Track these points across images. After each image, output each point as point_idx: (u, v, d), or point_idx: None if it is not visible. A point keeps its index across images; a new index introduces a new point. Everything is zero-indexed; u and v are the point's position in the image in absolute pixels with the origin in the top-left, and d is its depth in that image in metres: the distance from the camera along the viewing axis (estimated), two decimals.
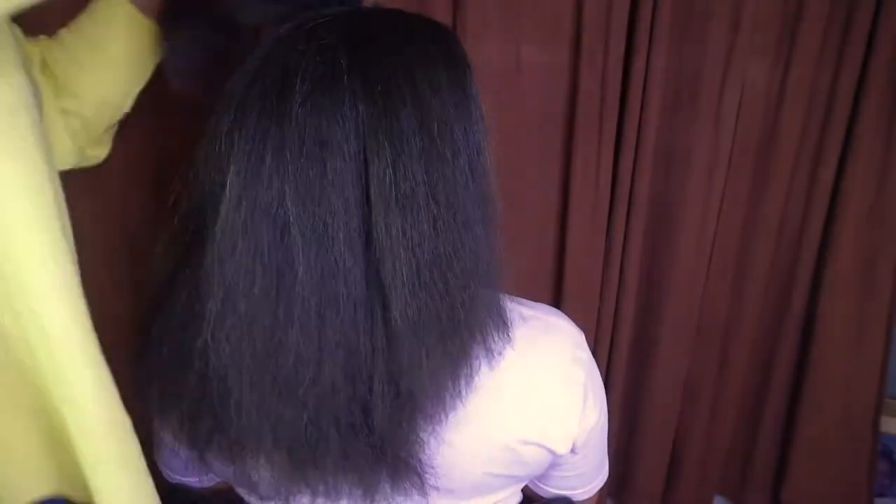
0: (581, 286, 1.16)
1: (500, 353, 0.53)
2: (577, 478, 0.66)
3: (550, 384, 0.57)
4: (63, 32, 0.68)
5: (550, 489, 0.68)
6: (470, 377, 0.51)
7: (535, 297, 0.62)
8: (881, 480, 1.39)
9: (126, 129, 0.75)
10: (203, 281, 0.47)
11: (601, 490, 0.71)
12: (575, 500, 0.70)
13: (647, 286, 1.21)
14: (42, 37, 0.68)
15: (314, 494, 0.53)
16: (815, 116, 1.11)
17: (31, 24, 0.62)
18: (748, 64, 1.06)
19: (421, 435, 0.51)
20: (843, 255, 1.16)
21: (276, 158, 0.44)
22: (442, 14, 0.99)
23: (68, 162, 0.71)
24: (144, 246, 0.62)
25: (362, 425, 0.49)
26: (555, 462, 0.62)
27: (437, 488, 0.55)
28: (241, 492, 0.63)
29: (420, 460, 0.52)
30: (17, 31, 0.63)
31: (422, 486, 0.53)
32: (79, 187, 0.63)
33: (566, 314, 0.63)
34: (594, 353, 0.62)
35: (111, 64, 0.68)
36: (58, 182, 0.60)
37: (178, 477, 0.69)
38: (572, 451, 0.60)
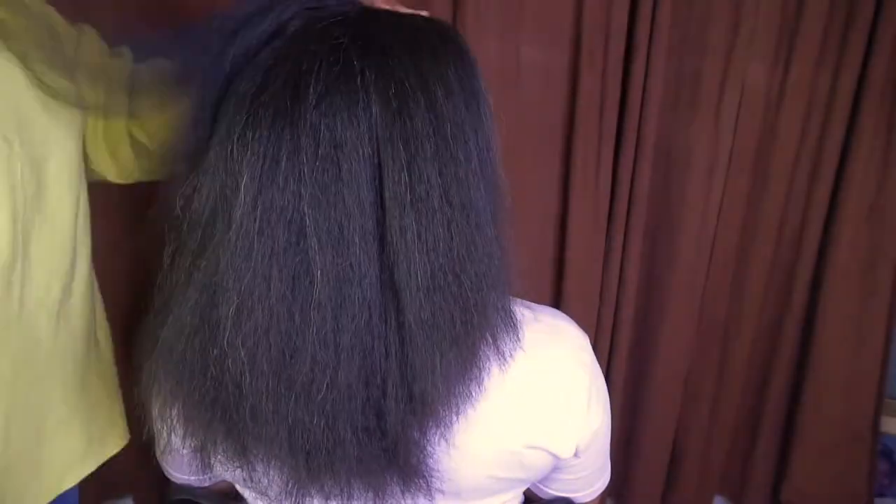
0: (581, 286, 1.16)
1: (510, 356, 0.53)
2: (580, 481, 0.66)
3: (555, 388, 0.57)
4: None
5: (552, 491, 0.68)
6: (480, 380, 0.51)
7: (535, 297, 0.62)
8: (881, 480, 1.39)
9: None
10: (217, 287, 0.46)
11: (603, 493, 0.71)
12: (577, 502, 0.70)
13: (647, 286, 1.21)
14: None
15: (326, 497, 0.53)
16: (815, 116, 1.11)
17: None
18: (748, 64, 1.06)
19: (431, 438, 0.51)
20: (843, 255, 1.16)
21: (291, 161, 0.44)
22: (442, 14, 0.99)
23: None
24: (151, 250, 0.62)
25: (376, 429, 0.49)
26: (558, 465, 0.62)
27: (442, 491, 0.55)
28: (249, 496, 0.63)
29: (427, 463, 0.52)
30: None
31: (428, 490, 0.53)
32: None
33: (566, 314, 0.62)
34: (594, 353, 0.62)
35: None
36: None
37: (181, 476, 0.69)
38: (576, 454, 0.59)
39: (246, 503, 0.66)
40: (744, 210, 1.16)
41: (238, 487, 0.64)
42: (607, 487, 0.71)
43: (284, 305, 0.45)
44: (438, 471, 0.53)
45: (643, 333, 1.24)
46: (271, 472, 0.53)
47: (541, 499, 0.70)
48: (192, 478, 0.69)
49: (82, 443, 0.68)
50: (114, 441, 0.72)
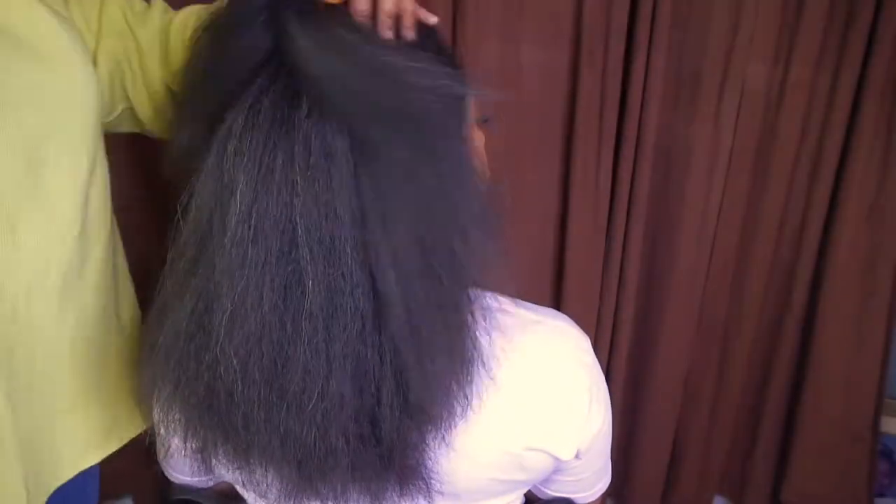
0: (581, 286, 1.16)
1: (495, 357, 0.53)
2: (581, 482, 0.66)
3: (555, 389, 0.57)
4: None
5: (552, 493, 0.68)
6: (472, 382, 0.51)
7: (535, 298, 0.62)
8: (881, 480, 1.39)
9: (128, 135, 0.75)
10: (211, 293, 0.47)
11: (603, 493, 0.71)
12: (577, 503, 0.70)
13: (647, 286, 1.21)
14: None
15: (323, 501, 0.53)
16: (815, 116, 1.11)
17: None
18: (748, 64, 1.06)
19: (430, 443, 0.51)
20: (843, 255, 1.16)
21: (284, 170, 0.44)
22: (442, 14, 0.99)
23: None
24: (148, 253, 0.62)
25: (370, 436, 0.49)
26: (559, 467, 0.62)
27: (441, 493, 0.55)
28: (249, 497, 0.63)
29: (426, 466, 0.52)
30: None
31: (427, 492, 0.53)
32: None
33: (566, 314, 0.62)
34: (595, 355, 0.62)
35: None
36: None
37: (182, 478, 0.69)
38: (576, 456, 0.59)
39: (246, 503, 0.66)
40: (744, 210, 1.16)
41: (238, 489, 0.64)
42: (607, 487, 0.71)
43: (276, 314, 0.45)
44: (437, 472, 0.53)
45: (643, 333, 1.24)
46: (269, 476, 0.53)
47: (541, 499, 0.70)
48: (194, 479, 0.69)
49: (104, 421, 0.68)
50: (134, 426, 0.72)
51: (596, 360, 0.61)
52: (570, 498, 0.69)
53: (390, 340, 0.46)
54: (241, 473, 0.54)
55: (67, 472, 0.66)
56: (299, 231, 0.44)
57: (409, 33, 0.51)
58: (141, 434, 0.70)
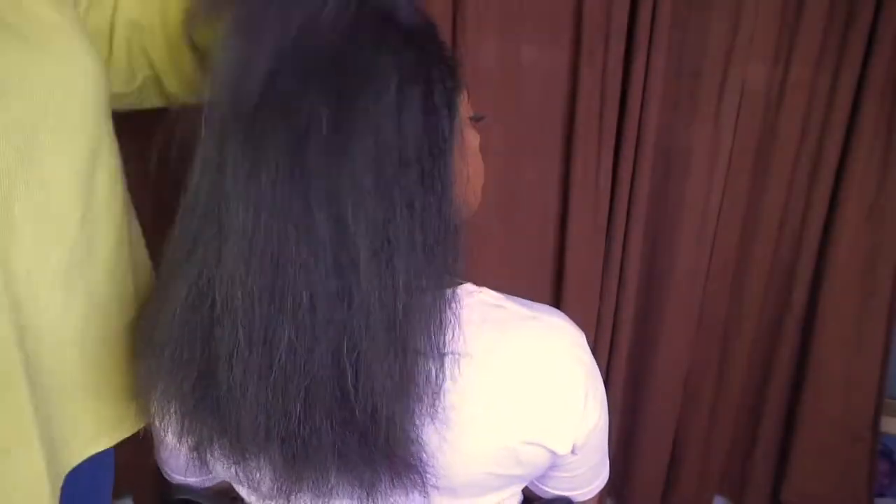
0: (581, 286, 1.16)
1: (481, 351, 0.54)
2: (578, 478, 0.66)
3: (551, 384, 0.57)
4: None
5: (550, 490, 0.68)
6: (439, 374, 0.51)
7: (535, 297, 0.62)
8: (881, 480, 1.39)
9: (129, 126, 0.75)
10: (204, 277, 0.48)
11: (601, 491, 0.71)
12: (575, 501, 0.70)
13: (647, 286, 1.21)
14: None
15: (316, 494, 0.53)
16: (815, 116, 1.11)
17: None
18: (748, 64, 1.06)
19: (412, 432, 0.51)
20: (843, 255, 1.16)
21: (283, 160, 0.46)
22: (441, 14, 0.99)
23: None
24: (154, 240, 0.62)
25: (351, 421, 0.49)
26: (555, 462, 0.62)
27: (437, 487, 0.55)
28: (243, 492, 0.63)
29: (420, 459, 0.52)
30: None
31: (423, 486, 0.53)
32: None
33: (566, 314, 0.63)
34: (594, 353, 0.62)
35: None
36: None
37: (179, 477, 0.70)
38: (573, 451, 0.60)
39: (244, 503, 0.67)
40: (744, 210, 1.16)
41: (234, 485, 0.64)
42: (607, 487, 0.71)
43: (265, 293, 0.47)
44: (432, 466, 0.53)
45: (643, 333, 1.24)
46: (262, 467, 0.53)
47: (540, 498, 0.70)
48: (191, 479, 0.69)
49: (116, 406, 0.69)
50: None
51: (591, 355, 0.61)
52: (568, 497, 0.69)
53: (362, 322, 0.48)
54: (236, 469, 0.55)
55: (85, 453, 0.67)
56: (292, 208, 0.46)
57: None
58: (141, 434, 0.71)
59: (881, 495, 1.40)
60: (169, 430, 0.56)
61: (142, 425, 0.72)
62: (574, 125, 1.07)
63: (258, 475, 0.55)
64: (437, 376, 0.51)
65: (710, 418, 1.28)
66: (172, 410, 0.54)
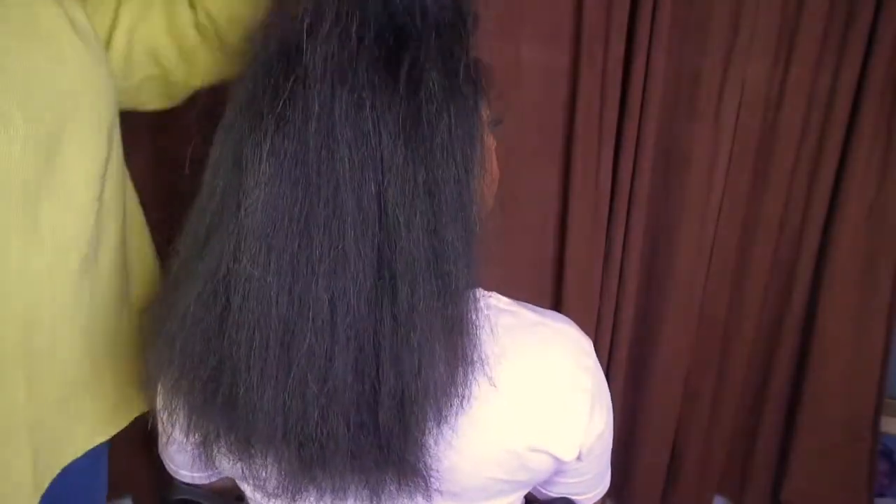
0: (581, 286, 1.16)
1: (496, 356, 0.53)
2: (581, 484, 0.66)
3: (557, 391, 0.57)
4: None
5: (553, 494, 0.68)
6: (467, 378, 0.51)
7: (535, 297, 0.62)
8: (881, 480, 1.39)
9: (138, 119, 0.75)
10: (220, 275, 0.47)
11: (603, 497, 0.71)
12: None
13: (647, 286, 1.21)
14: None
15: (321, 493, 0.53)
16: (815, 116, 1.11)
17: None
18: (748, 64, 1.06)
19: (427, 437, 0.51)
20: (843, 255, 1.16)
21: (305, 157, 0.45)
22: None
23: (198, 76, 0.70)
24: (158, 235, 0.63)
25: (370, 424, 0.49)
26: (560, 469, 0.62)
27: (440, 492, 0.55)
28: (247, 489, 0.63)
29: (426, 463, 0.52)
30: None
31: (426, 490, 0.53)
32: None
33: (566, 314, 0.63)
34: (596, 356, 0.62)
35: None
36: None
37: (183, 472, 0.69)
38: (578, 458, 0.59)
39: None
40: (744, 210, 1.16)
41: (238, 482, 0.64)
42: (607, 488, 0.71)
43: (284, 294, 0.46)
44: (437, 471, 0.53)
45: (643, 333, 1.24)
46: (269, 466, 0.53)
47: (541, 500, 0.70)
48: (195, 474, 0.69)
49: (111, 402, 0.70)
50: (140, 403, 0.74)
51: (598, 362, 0.61)
52: (570, 498, 0.69)
53: (390, 326, 0.47)
54: (241, 465, 0.55)
55: (80, 448, 0.68)
56: (313, 212, 0.45)
57: None
58: (141, 435, 0.71)
59: (881, 495, 1.40)
60: (176, 424, 0.56)
61: (136, 415, 0.73)
62: (574, 125, 1.07)
63: (264, 473, 0.54)
64: (465, 381, 0.51)
65: (710, 418, 1.28)
66: (181, 405, 0.54)
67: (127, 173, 0.71)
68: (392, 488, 0.52)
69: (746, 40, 1.04)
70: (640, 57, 1.04)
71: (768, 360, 1.27)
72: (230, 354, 0.48)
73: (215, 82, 0.69)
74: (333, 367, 0.47)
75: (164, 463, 0.69)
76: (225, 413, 0.51)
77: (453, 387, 0.50)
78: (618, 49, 1.04)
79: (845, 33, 1.05)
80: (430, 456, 0.52)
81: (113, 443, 0.74)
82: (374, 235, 0.45)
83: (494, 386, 0.53)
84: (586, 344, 0.61)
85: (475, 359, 0.51)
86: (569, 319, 0.62)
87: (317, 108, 0.44)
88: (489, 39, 1.07)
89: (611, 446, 0.66)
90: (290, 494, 0.54)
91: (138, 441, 0.70)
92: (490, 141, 0.58)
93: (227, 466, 0.59)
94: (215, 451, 0.55)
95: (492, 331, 0.53)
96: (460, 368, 0.50)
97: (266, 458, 0.53)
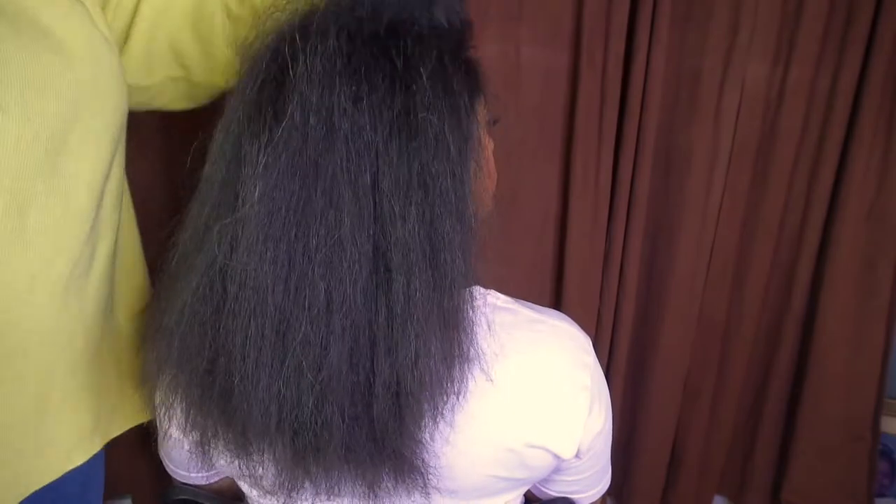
0: (581, 286, 1.16)
1: (494, 354, 0.53)
2: (580, 482, 0.66)
3: (556, 388, 0.57)
4: None
5: (553, 493, 0.68)
6: (463, 373, 0.51)
7: (535, 297, 0.62)
8: (881, 480, 1.39)
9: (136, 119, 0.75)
10: (216, 266, 0.48)
11: (603, 495, 0.71)
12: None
13: (647, 286, 1.21)
14: None
15: (317, 489, 0.53)
16: (815, 116, 1.11)
17: None
18: (748, 64, 1.06)
19: (424, 433, 0.51)
20: (843, 255, 1.16)
21: (302, 148, 0.45)
22: None
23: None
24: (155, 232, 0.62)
25: (364, 417, 0.49)
26: (560, 466, 0.62)
27: (438, 489, 0.55)
28: (245, 486, 0.63)
29: (423, 460, 0.52)
30: None
31: (424, 487, 0.53)
32: None
33: (566, 314, 0.63)
34: (595, 354, 0.62)
35: None
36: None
37: (181, 471, 0.70)
38: (577, 455, 0.60)
39: None
40: (744, 210, 1.16)
41: (236, 479, 0.64)
42: (607, 487, 0.71)
43: (280, 283, 0.46)
44: (435, 467, 0.53)
45: (643, 333, 1.24)
46: (266, 462, 0.53)
47: (541, 500, 0.70)
48: (193, 474, 0.69)
49: (91, 419, 0.67)
50: (121, 421, 0.72)
51: (597, 360, 0.61)
52: (570, 498, 0.69)
53: (385, 317, 0.47)
54: (238, 462, 0.55)
55: (54, 472, 0.65)
56: (309, 204, 0.45)
57: None
58: (140, 435, 0.70)
59: (881, 495, 1.40)
60: (173, 421, 0.56)
61: (132, 425, 0.71)
62: (574, 125, 1.07)
63: (261, 470, 0.55)
64: (461, 377, 0.51)
65: (710, 418, 1.28)
66: (178, 401, 0.54)
67: (127, 186, 0.70)
68: (389, 485, 0.53)
69: (746, 40, 1.04)
70: (640, 57, 1.04)
71: (768, 360, 1.27)
72: (226, 343, 0.48)
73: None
74: (328, 357, 0.47)
75: (162, 461, 0.69)
76: (222, 406, 0.51)
77: (449, 381, 0.50)
78: (618, 49, 1.04)
79: (845, 33, 1.05)
80: (426, 452, 0.52)
81: (112, 443, 0.74)
82: (369, 226, 0.46)
83: (491, 381, 0.53)
84: (585, 341, 0.61)
85: (471, 354, 0.51)
86: (568, 317, 0.62)
87: (314, 101, 0.45)
88: (489, 40, 1.07)
89: (610, 444, 0.66)
90: (286, 491, 0.54)
91: (138, 441, 0.70)
92: (487, 139, 0.58)
93: (224, 464, 0.59)
94: (212, 448, 0.55)
95: (490, 328, 0.53)
96: (456, 363, 0.50)
97: (262, 453, 0.53)
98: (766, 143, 1.13)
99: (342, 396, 0.48)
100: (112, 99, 0.61)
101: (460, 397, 0.51)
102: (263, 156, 0.45)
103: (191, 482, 0.71)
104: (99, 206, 0.61)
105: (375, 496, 0.53)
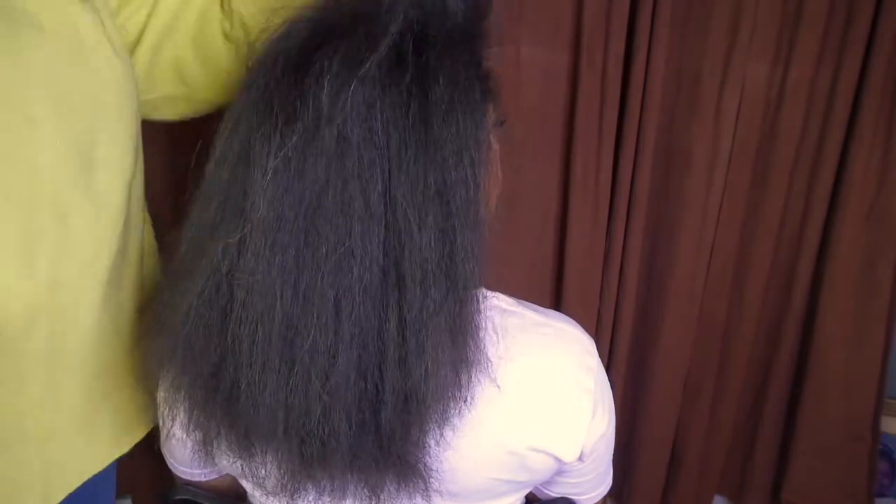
0: (581, 286, 1.16)
1: (499, 357, 0.53)
2: (582, 484, 0.66)
3: (559, 391, 0.57)
4: None
5: (554, 494, 0.68)
6: (472, 380, 0.51)
7: (535, 298, 0.62)
8: (881, 480, 1.39)
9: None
10: (223, 271, 0.47)
11: (604, 497, 0.71)
12: None
13: (647, 286, 1.21)
14: None
15: (320, 492, 0.53)
16: (815, 116, 1.11)
17: None
18: (748, 64, 1.06)
19: (429, 438, 0.51)
20: (843, 255, 1.16)
21: (308, 148, 0.44)
22: None
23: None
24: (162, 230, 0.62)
25: (371, 423, 0.49)
26: (561, 469, 0.62)
27: (440, 492, 0.55)
28: (247, 486, 0.63)
29: (426, 464, 0.52)
30: None
31: (426, 491, 0.53)
32: None
33: (566, 314, 0.63)
34: (599, 357, 0.62)
35: None
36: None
37: (184, 469, 0.69)
38: (579, 458, 0.59)
39: None
40: (744, 210, 1.16)
41: (238, 479, 0.64)
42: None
43: (288, 290, 0.46)
44: (437, 471, 0.53)
45: (643, 333, 1.24)
46: (269, 464, 0.53)
47: (542, 500, 0.70)
48: (195, 471, 0.69)
49: (132, 411, 0.69)
50: (148, 420, 0.73)
51: (601, 363, 0.61)
52: (571, 499, 0.69)
53: (395, 325, 0.46)
54: (241, 463, 0.55)
55: (95, 467, 0.67)
56: (319, 208, 0.45)
57: None
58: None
59: (881, 495, 1.40)
60: (177, 420, 0.56)
61: (148, 429, 0.72)
62: (574, 125, 1.07)
63: (264, 471, 0.54)
64: (470, 383, 0.51)
65: (710, 418, 1.28)
66: (182, 401, 0.54)
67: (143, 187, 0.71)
68: (391, 488, 0.52)
69: (746, 40, 1.04)
70: (640, 57, 1.04)
71: (768, 360, 1.27)
72: (233, 349, 0.48)
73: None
74: (336, 365, 0.46)
75: (165, 458, 0.69)
76: (226, 409, 0.51)
77: (458, 389, 0.50)
78: (618, 49, 1.04)
79: (845, 33, 1.05)
80: (429, 456, 0.52)
81: None
82: (380, 234, 0.45)
83: (498, 387, 0.53)
84: (589, 344, 0.61)
85: (480, 360, 0.51)
86: (572, 320, 0.62)
87: (327, 105, 0.44)
88: (489, 40, 1.07)
89: (613, 447, 0.66)
90: (289, 493, 0.54)
91: (139, 441, 0.69)
92: (495, 142, 0.58)
93: (227, 464, 0.59)
94: (215, 448, 0.55)
95: (496, 332, 0.53)
96: (466, 370, 0.50)
97: (265, 455, 0.53)
98: (766, 143, 1.13)
99: (350, 404, 0.48)
100: (130, 103, 0.61)
101: (469, 404, 0.51)
102: (274, 160, 0.45)
103: (193, 479, 0.71)
104: (128, 207, 0.62)
105: (378, 499, 0.53)
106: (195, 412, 0.53)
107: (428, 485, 0.53)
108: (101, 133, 0.58)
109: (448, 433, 0.52)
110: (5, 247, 0.53)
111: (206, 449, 0.55)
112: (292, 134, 0.44)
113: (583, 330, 0.62)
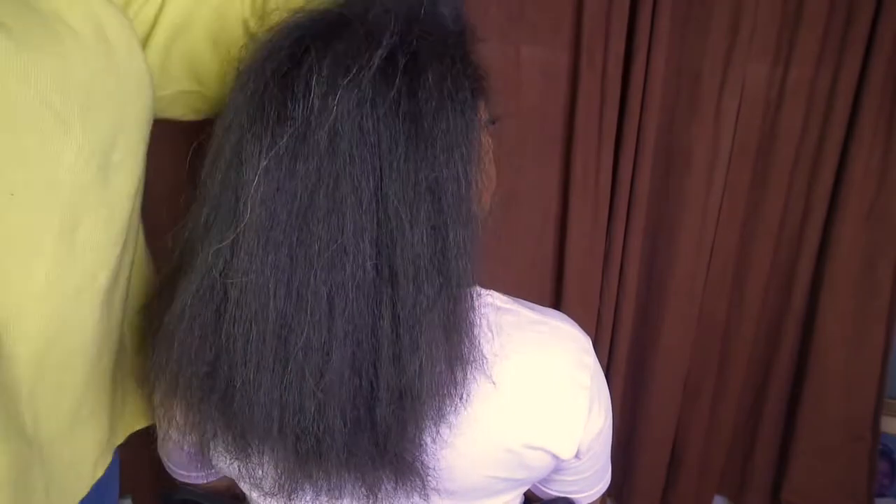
0: (581, 286, 1.16)
1: (495, 355, 0.53)
2: (580, 482, 0.66)
3: (556, 389, 0.57)
4: None
5: (552, 492, 0.68)
6: (466, 377, 0.51)
7: (535, 298, 0.62)
8: (881, 480, 1.39)
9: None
10: (217, 269, 0.48)
11: (603, 495, 0.71)
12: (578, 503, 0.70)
13: (647, 286, 1.21)
14: None
15: (317, 492, 0.53)
16: (815, 116, 1.11)
17: None
18: (748, 64, 1.06)
19: (425, 435, 0.51)
20: (843, 255, 1.16)
21: (300, 147, 0.45)
22: None
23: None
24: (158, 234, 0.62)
25: (366, 420, 0.49)
26: (558, 467, 0.62)
27: (437, 491, 0.55)
28: (245, 488, 0.63)
29: (423, 462, 0.52)
30: None
31: (423, 488, 0.53)
32: None
33: (566, 314, 0.63)
34: (595, 355, 0.62)
35: None
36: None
37: (181, 471, 0.70)
38: (577, 455, 0.60)
39: (246, 503, 0.67)
40: (744, 210, 1.16)
41: (236, 480, 0.64)
42: (607, 487, 0.71)
43: (282, 288, 0.46)
44: (434, 469, 0.53)
45: (643, 333, 1.24)
46: (265, 465, 0.53)
47: (541, 499, 0.70)
48: (192, 473, 0.69)
49: (107, 432, 0.68)
50: (126, 427, 0.72)
51: (597, 361, 0.61)
52: (570, 498, 0.69)
53: (389, 322, 0.47)
54: (237, 464, 0.55)
55: (86, 483, 0.65)
56: (311, 207, 0.45)
57: None
58: (141, 435, 0.70)
59: (881, 495, 1.40)
60: (173, 422, 0.56)
61: (119, 442, 0.71)
62: (574, 125, 1.07)
63: (260, 472, 0.54)
64: (465, 380, 0.51)
65: (710, 418, 1.28)
66: (177, 403, 0.54)
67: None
68: (388, 487, 0.52)
69: (746, 40, 1.04)
70: (640, 57, 1.04)
71: (768, 360, 1.27)
72: (227, 348, 0.48)
73: None
74: (330, 362, 0.47)
75: (163, 462, 0.70)
76: (221, 409, 0.51)
77: (453, 386, 0.50)
78: (618, 49, 1.04)
79: (845, 33, 1.05)
80: (426, 454, 0.52)
81: None
82: (372, 230, 0.45)
83: (494, 384, 0.53)
84: (585, 342, 0.61)
85: (475, 357, 0.51)
86: (568, 317, 0.62)
87: (318, 104, 0.44)
88: (489, 40, 1.07)
89: (610, 444, 0.66)
90: (286, 493, 0.54)
91: (138, 441, 0.69)
92: (487, 140, 0.58)
93: (224, 466, 0.59)
94: (212, 449, 0.55)
95: (490, 329, 0.53)
96: (460, 367, 0.50)
97: (262, 456, 0.53)
98: (766, 143, 1.13)
99: (344, 401, 0.48)
100: (146, 106, 0.60)
101: (464, 401, 0.51)
102: (265, 159, 0.45)
103: (189, 482, 0.71)
104: (132, 219, 0.61)
105: (375, 498, 0.53)
106: (191, 414, 0.53)
107: (425, 483, 0.53)
108: (120, 142, 0.57)
109: (445, 431, 0.52)
110: (10, 250, 0.52)
111: (202, 450, 0.55)
112: (284, 133, 0.45)
113: (579, 327, 0.62)
